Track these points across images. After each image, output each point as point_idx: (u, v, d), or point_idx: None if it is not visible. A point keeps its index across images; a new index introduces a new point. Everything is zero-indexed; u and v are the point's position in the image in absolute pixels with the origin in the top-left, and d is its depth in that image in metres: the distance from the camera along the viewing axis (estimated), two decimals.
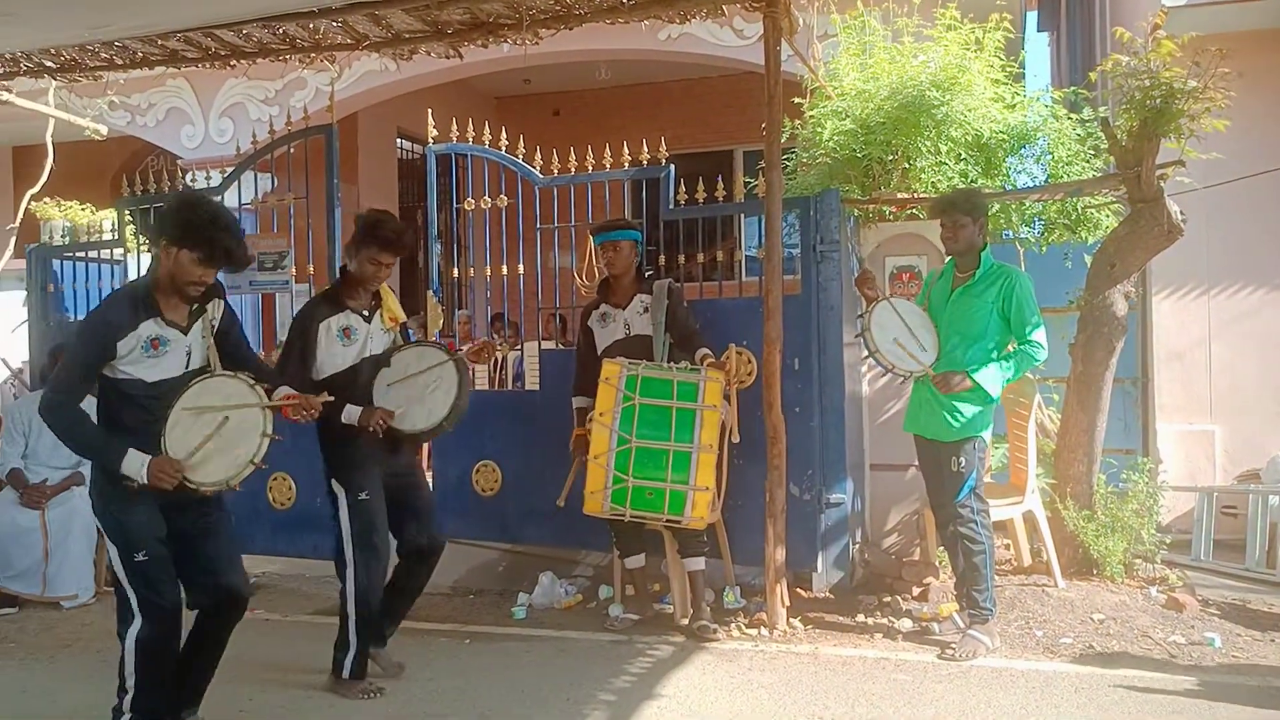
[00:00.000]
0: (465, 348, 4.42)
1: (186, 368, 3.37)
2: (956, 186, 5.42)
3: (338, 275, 4.34)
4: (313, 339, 4.06)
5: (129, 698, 3.36)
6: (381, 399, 4.13)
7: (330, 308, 4.13)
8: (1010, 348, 4.51)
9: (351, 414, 4.02)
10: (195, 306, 3.41)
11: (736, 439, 4.90)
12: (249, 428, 3.33)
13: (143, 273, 3.51)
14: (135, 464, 3.20)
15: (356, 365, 4.11)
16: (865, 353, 4.75)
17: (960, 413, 4.44)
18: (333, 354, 4.08)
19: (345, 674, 4.09)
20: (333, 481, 4.13)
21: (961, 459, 4.44)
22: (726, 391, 4.81)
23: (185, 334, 3.37)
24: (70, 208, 8.56)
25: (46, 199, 8.52)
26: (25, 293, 7.12)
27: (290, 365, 4.02)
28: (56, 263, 6.98)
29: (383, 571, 4.18)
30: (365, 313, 4.16)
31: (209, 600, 3.45)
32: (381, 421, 4.01)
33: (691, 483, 4.60)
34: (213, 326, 3.46)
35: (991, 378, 4.40)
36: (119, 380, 3.28)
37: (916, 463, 4.91)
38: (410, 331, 4.54)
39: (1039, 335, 4.42)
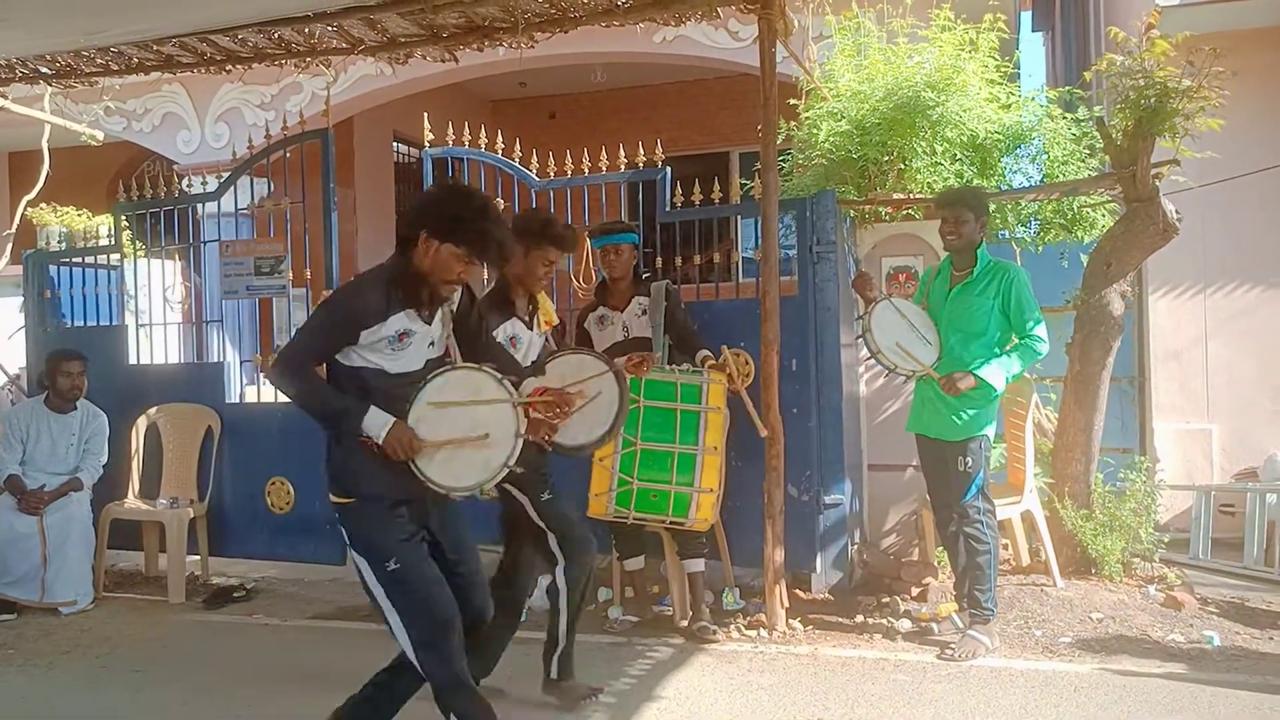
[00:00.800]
0: (624, 359, 4.27)
1: (427, 359, 3.14)
2: (952, 187, 5.43)
3: (496, 279, 4.01)
4: None
5: None
6: None
7: (500, 314, 3.85)
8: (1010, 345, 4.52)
9: None
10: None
11: (765, 433, 4.84)
12: (500, 428, 3.07)
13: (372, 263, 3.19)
14: (379, 421, 2.96)
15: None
16: (866, 353, 4.74)
17: (965, 411, 4.45)
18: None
19: (553, 674, 3.98)
20: (510, 490, 3.88)
21: (968, 458, 4.45)
22: (734, 391, 4.80)
23: (429, 324, 3.13)
24: (66, 213, 8.58)
25: (43, 204, 8.54)
26: (22, 299, 7.11)
27: None
28: (53, 268, 6.95)
29: (594, 558, 3.99)
30: (526, 318, 3.93)
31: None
32: (547, 438, 3.71)
33: (696, 484, 4.60)
34: (451, 312, 3.23)
35: (994, 372, 4.40)
36: (360, 368, 3.03)
37: (915, 463, 4.91)
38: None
39: (1040, 330, 4.43)
